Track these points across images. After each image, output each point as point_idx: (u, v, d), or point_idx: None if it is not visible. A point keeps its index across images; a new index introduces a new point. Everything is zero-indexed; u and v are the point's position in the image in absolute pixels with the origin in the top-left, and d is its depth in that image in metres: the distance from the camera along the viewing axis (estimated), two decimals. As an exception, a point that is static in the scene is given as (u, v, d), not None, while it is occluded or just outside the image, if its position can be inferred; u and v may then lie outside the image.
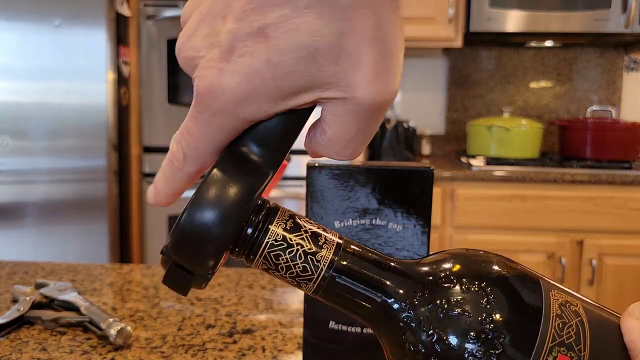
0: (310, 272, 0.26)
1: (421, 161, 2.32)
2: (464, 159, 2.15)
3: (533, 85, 2.51)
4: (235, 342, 0.56)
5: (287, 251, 0.26)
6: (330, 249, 0.26)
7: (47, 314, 0.59)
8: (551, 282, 0.28)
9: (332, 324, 0.45)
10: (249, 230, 0.26)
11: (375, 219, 0.44)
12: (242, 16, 0.24)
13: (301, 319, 0.62)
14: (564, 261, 1.91)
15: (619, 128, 2.10)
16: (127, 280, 0.77)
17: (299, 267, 0.26)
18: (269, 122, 0.26)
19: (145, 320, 0.62)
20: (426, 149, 2.49)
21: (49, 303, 0.63)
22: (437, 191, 1.95)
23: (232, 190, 0.25)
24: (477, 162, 2.04)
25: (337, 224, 0.44)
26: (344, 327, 0.45)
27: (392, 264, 0.27)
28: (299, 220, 0.27)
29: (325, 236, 0.27)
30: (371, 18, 0.24)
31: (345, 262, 0.26)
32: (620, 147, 2.08)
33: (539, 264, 1.92)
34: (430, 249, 0.44)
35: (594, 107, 2.30)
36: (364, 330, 0.45)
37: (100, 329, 0.55)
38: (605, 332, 0.26)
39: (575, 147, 2.14)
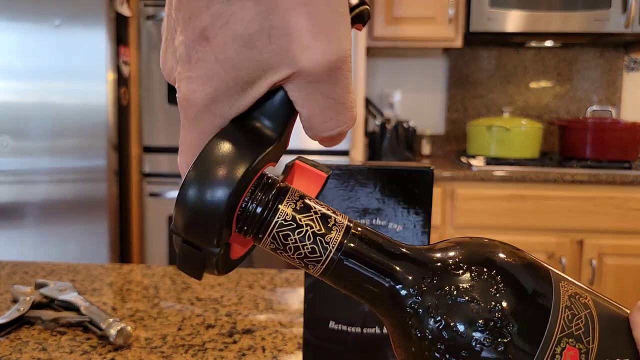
0: (318, 254, 0.26)
1: (421, 161, 2.32)
2: (464, 159, 2.15)
3: (533, 85, 2.51)
4: (235, 342, 0.56)
5: (296, 232, 0.26)
6: (339, 232, 0.26)
7: (47, 314, 0.59)
8: (560, 273, 0.27)
9: (332, 324, 0.45)
10: (259, 209, 0.26)
11: (376, 219, 0.44)
12: (184, 26, 0.25)
13: (301, 319, 0.62)
14: (564, 261, 1.91)
15: (619, 128, 2.09)
16: (127, 280, 0.77)
17: (307, 249, 0.26)
18: (266, 97, 0.27)
19: (145, 320, 0.62)
20: (426, 149, 2.49)
21: (49, 303, 0.63)
22: (437, 191, 1.95)
23: (232, 154, 0.25)
24: (477, 162, 2.04)
25: (337, 224, 0.44)
26: (344, 327, 0.45)
27: (402, 249, 0.27)
28: (309, 202, 0.26)
29: (335, 218, 0.26)
30: None
31: (354, 245, 0.26)
32: (620, 147, 2.08)
33: (539, 264, 1.92)
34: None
35: (594, 107, 2.30)
36: (364, 330, 0.45)
37: (100, 329, 0.55)
38: (614, 325, 0.26)
39: (575, 147, 2.13)
